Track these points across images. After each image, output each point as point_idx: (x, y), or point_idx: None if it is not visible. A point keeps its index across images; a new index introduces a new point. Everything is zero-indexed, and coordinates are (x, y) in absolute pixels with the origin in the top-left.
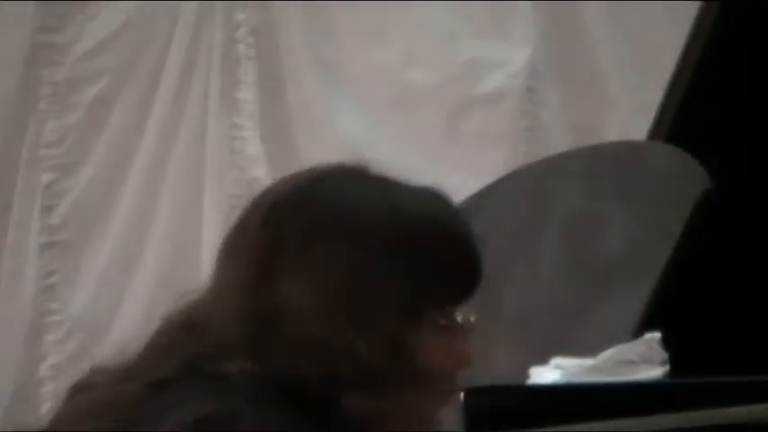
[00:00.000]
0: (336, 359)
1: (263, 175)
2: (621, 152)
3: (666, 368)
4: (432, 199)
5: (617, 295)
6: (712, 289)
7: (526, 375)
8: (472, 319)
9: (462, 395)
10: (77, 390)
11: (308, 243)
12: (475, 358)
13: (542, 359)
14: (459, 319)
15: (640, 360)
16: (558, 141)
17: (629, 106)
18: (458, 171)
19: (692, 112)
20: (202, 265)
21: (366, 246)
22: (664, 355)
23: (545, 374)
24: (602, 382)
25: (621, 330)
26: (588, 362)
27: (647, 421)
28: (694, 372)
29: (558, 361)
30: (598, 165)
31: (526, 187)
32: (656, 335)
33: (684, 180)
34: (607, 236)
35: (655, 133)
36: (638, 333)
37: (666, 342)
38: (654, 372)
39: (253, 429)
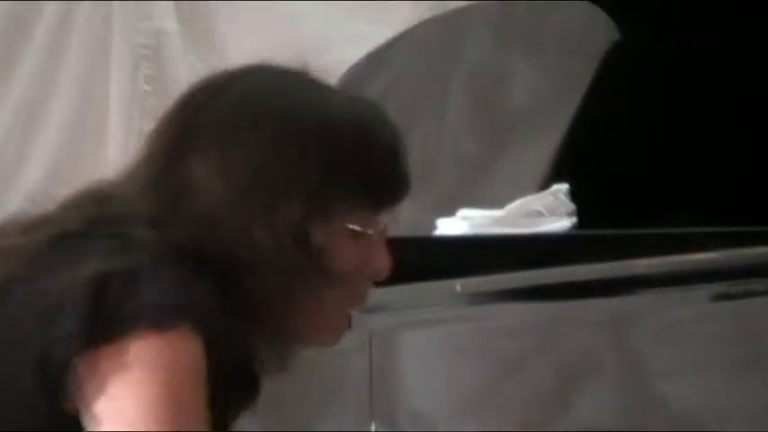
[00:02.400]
0: (235, 242)
1: (172, 28)
2: (531, 4)
3: (573, 220)
4: (365, 107)
5: (523, 147)
6: (620, 141)
7: (433, 226)
8: (386, 224)
9: None
10: None
11: (224, 127)
12: (389, 272)
13: (449, 211)
14: (374, 228)
15: (547, 211)
16: None
17: None
18: (375, 22)
19: None
20: (110, 113)
21: (282, 137)
22: (571, 206)
23: (452, 225)
24: (508, 233)
25: (528, 182)
26: (495, 213)
27: (554, 272)
28: (601, 223)
29: (464, 212)
30: (508, 16)
31: (436, 37)
32: (564, 186)
33: (592, 32)
34: (514, 87)
35: None
36: (545, 185)
37: (574, 193)
38: (561, 223)
39: (152, 286)
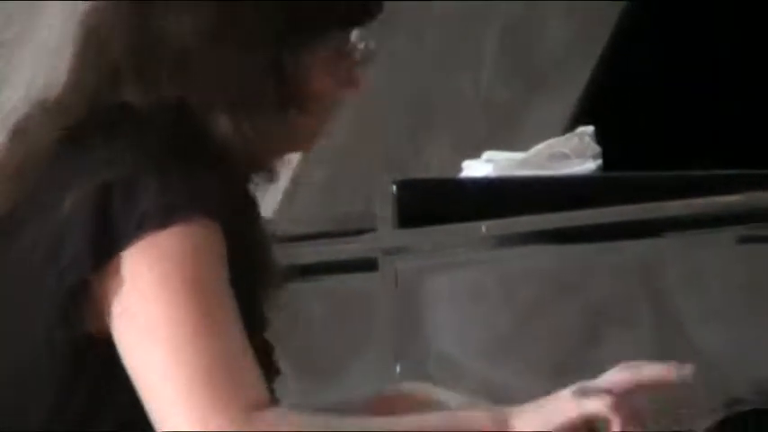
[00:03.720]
0: (211, 79)
1: None
2: None
3: (599, 162)
4: None
5: (551, 91)
6: (645, 84)
7: (458, 168)
8: (369, 45)
9: (394, 188)
10: (13, 135)
11: None
12: (362, 83)
13: (474, 153)
14: (352, 45)
15: (573, 154)
16: None
17: None
18: None
19: None
20: None
21: None
22: (596, 148)
23: (477, 167)
24: (534, 175)
25: (554, 125)
26: (520, 155)
27: (579, 215)
28: (626, 166)
29: (490, 154)
30: None
31: None
32: (589, 128)
33: None
34: (544, 33)
35: None
36: (571, 127)
37: (599, 136)
38: (586, 165)
39: (151, 188)
